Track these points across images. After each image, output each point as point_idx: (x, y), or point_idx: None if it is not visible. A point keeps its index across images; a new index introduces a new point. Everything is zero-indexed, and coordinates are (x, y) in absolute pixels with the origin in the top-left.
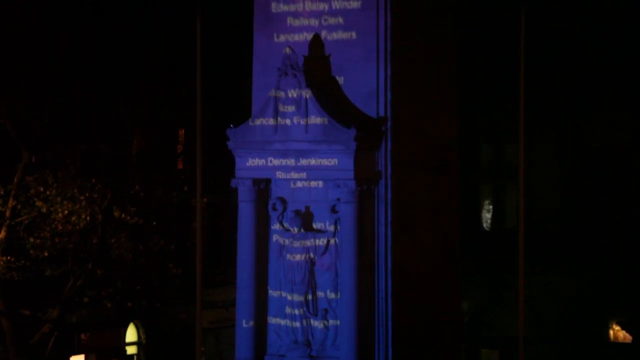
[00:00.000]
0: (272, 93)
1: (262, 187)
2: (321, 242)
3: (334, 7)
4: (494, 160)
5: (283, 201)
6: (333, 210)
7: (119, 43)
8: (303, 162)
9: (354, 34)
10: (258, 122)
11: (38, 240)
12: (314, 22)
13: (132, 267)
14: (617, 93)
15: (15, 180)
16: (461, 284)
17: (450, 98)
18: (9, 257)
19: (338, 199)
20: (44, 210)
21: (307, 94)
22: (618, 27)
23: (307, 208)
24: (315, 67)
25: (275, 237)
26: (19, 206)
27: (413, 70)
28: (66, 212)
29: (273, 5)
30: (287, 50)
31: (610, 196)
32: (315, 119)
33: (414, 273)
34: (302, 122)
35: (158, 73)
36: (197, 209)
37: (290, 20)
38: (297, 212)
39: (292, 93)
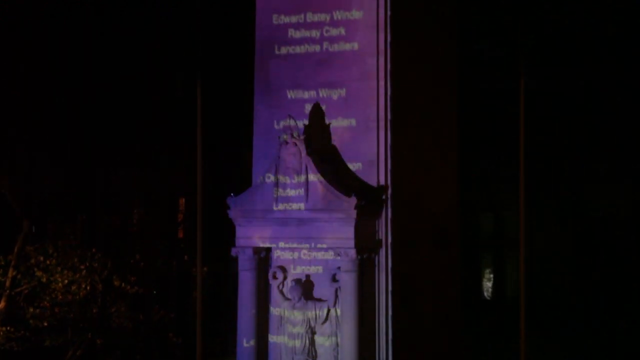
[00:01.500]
0: (273, 162)
1: (263, 255)
2: (321, 311)
3: (331, 79)
4: (494, 229)
5: (283, 270)
6: (333, 279)
7: (119, 114)
8: (303, 230)
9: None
10: (258, 190)
11: (38, 310)
12: (312, 93)
13: (132, 336)
14: (617, 163)
15: (16, 250)
16: (463, 353)
17: (451, 166)
18: (8, 328)
19: (338, 268)
20: (44, 280)
21: (307, 162)
22: (616, 99)
23: (308, 277)
24: (316, 136)
25: (275, 306)
26: (19, 276)
27: (413, 139)
28: (66, 281)
29: (272, 76)
30: (288, 119)
31: (611, 266)
32: (316, 188)
33: (415, 344)
34: (303, 190)
35: (159, 143)
36: (198, 278)
37: (290, 94)
38: (297, 281)
39: (293, 161)
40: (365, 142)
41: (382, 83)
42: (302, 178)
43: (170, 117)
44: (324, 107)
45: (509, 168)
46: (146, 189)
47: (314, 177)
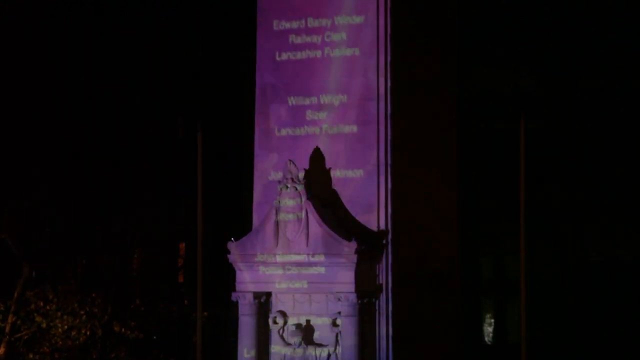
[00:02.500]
0: (273, 206)
1: (263, 300)
2: (322, 356)
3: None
4: (495, 273)
5: (284, 315)
6: (334, 323)
7: (120, 157)
8: (304, 275)
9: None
10: (259, 235)
11: (38, 356)
12: (313, 138)
13: None
14: (618, 206)
15: (15, 296)
16: None
17: (451, 210)
18: None
19: (339, 313)
20: (44, 325)
21: (307, 206)
22: (618, 141)
23: (308, 322)
24: (316, 180)
25: (276, 351)
26: (18, 322)
27: (413, 183)
28: (66, 327)
29: (272, 121)
30: (288, 163)
31: (612, 309)
32: (316, 232)
33: None
34: (303, 235)
35: (159, 186)
36: (198, 323)
37: (290, 141)
38: (298, 326)
39: (293, 206)
40: (365, 186)
41: (382, 128)
42: (303, 222)
43: (171, 160)
44: (325, 153)
45: (510, 211)
46: (146, 233)
47: (314, 221)
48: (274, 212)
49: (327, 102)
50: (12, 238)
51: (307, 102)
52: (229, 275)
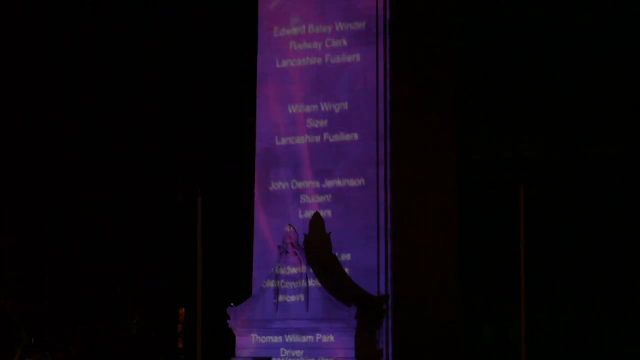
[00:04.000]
0: (273, 271)
1: None
2: None
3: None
4: (496, 339)
5: None
6: None
7: (119, 223)
8: (304, 340)
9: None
10: (259, 300)
11: None
12: (315, 200)
13: None
14: (620, 273)
15: None
16: None
17: (452, 276)
18: None
19: None
20: None
21: (307, 271)
22: (619, 208)
23: None
24: (316, 245)
25: None
26: None
27: (414, 248)
28: None
29: (272, 185)
30: (288, 228)
31: None
32: (316, 297)
33: None
34: (303, 300)
35: (159, 252)
36: None
37: (290, 201)
38: None
39: (293, 271)
40: (366, 251)
41: (382, 192)
42: (303, 287)
43: (171, 225)
44: (324, 214)
45: (511, 277)
46: (146, 299)
47: (314, 286)
48: (274, 277)
49: (331, 168)
50: (12, 304)
51: (307, 185)
52: (229, 341)
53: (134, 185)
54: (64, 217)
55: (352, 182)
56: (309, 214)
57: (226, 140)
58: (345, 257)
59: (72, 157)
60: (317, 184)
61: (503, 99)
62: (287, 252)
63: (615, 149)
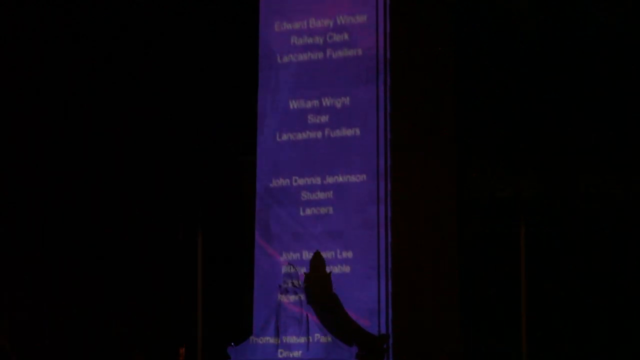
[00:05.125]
0: (273, 310)
1: None
2: None
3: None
4: None
5: None
6: None
7: (116, 263)
8: None
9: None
10: (259, 340)
11: None
12: (314, 245)
13: None
14: (620, 321)
15: None
16: None
17: (453, 316)
18: None
19: None
20: None
21: (308, 311)
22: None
23: None
24: (316, 284)
25: None
26: None
27: (414, 288)
28: None
29: (272, 225)
30: (289, 267)
31: None
32: (317, 337)
33: None
34: (304, 339)
35: (158, 290)
36: None
37: (289, 239)
38: None
39: (293, 310)
40: (366, 290)
41: (382, 230)
42: (303, 327)
43: (170, 263)
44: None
45: (511, 322)
46: (146, 338)
47: (314, 326)
48: (274, 316)
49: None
50: (11, 345)
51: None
52: None
53: (133, 223)
54: (63, 256)
55: (354, 221)
56: (309, 255)
57: (226, 177)
58: (345, 296)
59: (71, 199)
60: (316, 228)
61: (503, 137)
62: (287, 291)
63: (616, 187)
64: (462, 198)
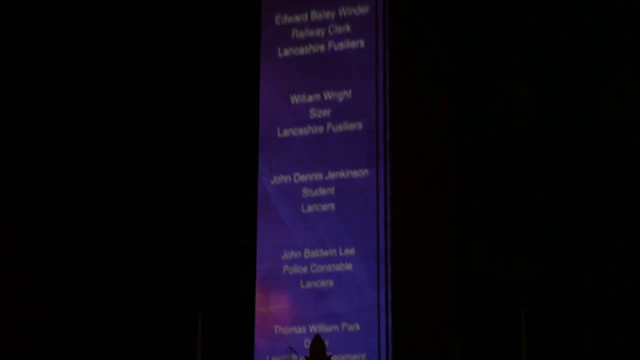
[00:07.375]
0: None
1: None
2: None
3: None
4: None
5: None
6: None
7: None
8: None
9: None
10: None
11: None
12: (313, 328)
13: None
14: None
15: None
16: None
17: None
18: None
19: None
20: None
21: None
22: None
23: None
24: None
25: None
26: None
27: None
28: None
29: (272, 317)
30: (289, 351)
31: None
32: None
33: None
34: None
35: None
36: None
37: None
38: None
39: None
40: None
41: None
42: None
43: (169, 347)
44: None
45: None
46: None
47: None
48: None
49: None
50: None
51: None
52: None
53: (131, 315)
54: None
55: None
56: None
57: (225, 261)
58: None
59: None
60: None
61: (502, 221)
62: None
63: (616, 269)
64: (462, 279)
